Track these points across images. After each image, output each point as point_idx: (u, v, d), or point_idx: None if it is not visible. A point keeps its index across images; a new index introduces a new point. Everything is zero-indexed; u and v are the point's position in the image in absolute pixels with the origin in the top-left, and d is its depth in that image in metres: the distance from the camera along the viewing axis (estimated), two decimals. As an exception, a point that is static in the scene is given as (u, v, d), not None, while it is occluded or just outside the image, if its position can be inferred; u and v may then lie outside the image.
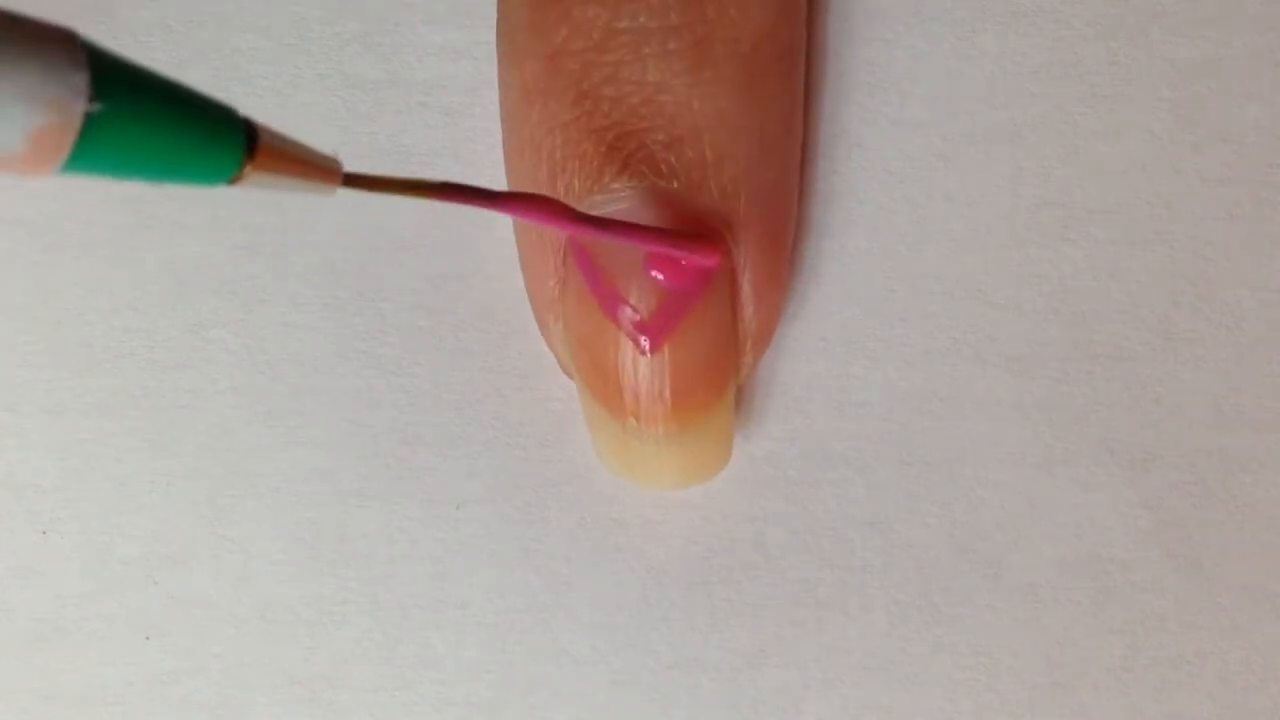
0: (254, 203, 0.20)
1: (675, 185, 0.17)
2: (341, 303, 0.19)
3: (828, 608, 0.19)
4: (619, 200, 0.17)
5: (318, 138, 0.19)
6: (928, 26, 0.19)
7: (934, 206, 0.19)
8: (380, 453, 0.19)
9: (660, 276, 0.17)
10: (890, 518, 0.19)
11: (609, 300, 0.17)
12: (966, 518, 0.19)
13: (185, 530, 0.19)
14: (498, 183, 0.19)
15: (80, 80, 0.11)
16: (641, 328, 0.17)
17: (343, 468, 0.19)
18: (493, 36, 0.19)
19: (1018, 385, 0.19)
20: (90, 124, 0.11)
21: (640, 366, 0.17)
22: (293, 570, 0.19)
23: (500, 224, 0.19)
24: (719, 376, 0.18)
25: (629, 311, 0.17)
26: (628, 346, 0.17)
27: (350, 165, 0.19)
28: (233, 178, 0.12)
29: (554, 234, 0.18)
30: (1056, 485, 0.19)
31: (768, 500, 0.19)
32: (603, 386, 0.18)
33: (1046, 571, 0.19)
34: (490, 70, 0.19)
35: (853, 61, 0.19)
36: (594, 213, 0.17)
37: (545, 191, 0.17)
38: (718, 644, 0.19)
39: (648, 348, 0.17)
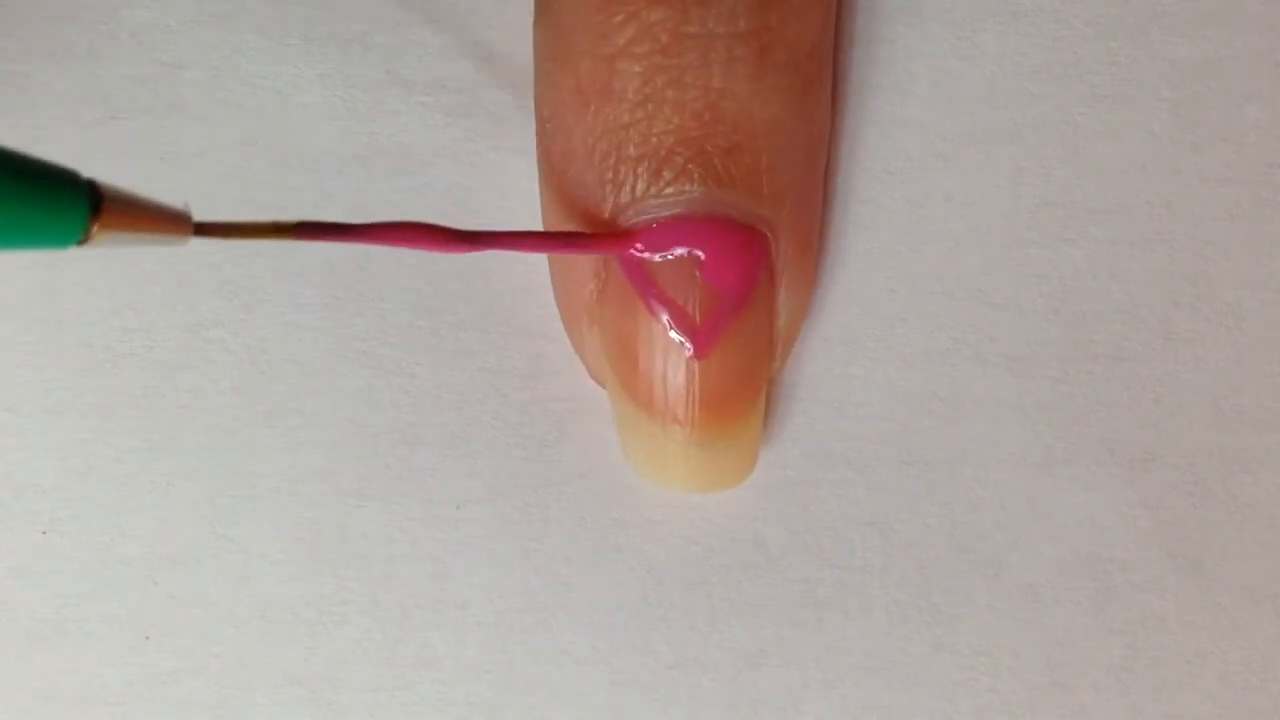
0: (255, 203, 0.20)
1: (731, 191, 0.17)
2: (341, 303, 0.19)
3: (828, 608, 0.19)
4: (674, 205, 0.17)
5: (318, 138, 0.19)
6: (928, 26, 0.19)
7: (934, 206, 0.19)
8: (380, 453, 0.19)
9: (708, 280, 0.17)
10: (890, 518, 0.19)
11: (656, 305, 0.17)
12: (966, 518, 0.19)
13: (185, 530, 0.19)
14: (497, 181, 0.19)
15: None
16: (691, 332, 0.17)
17: (343, 468, 0.19)
18: (494, 37, 0.19)
19: (1018, 385, 0.19)
20: None
21: (684, 371, 0.17)
22: (293, 570, 0.19)
23: (502, 222, 0.19)
24: (758, 379, 0.18)
25: (678, 316, 0.17)
26: (673, 351, 0.17)
27: (350, 165, 0.19)
28: (81, 239, 0.12)
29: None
30: (1056, 485, 0.19)
31: (768, 500, 0.19)
32: (646, 392, 0.18)
33: (1046, 571, 0.19)
34: (490, 70, 0.19)
35: (854, 62, 0.19)
36: (647, 216, 0.17)
37: (595, 194, 0.17)
38: (718, 644, 0.19)
39: (697, 352, 0.17)
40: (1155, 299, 0.19)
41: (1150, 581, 0.19)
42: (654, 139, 0.17)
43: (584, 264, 0.18)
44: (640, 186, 0.17)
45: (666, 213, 0.17)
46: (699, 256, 0.17)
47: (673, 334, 0.17)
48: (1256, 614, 0.19)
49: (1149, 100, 0.19)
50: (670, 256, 0.17)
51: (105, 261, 0.20)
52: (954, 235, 0.19)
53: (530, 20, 0.18)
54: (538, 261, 0.19)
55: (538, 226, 0.19)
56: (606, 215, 0.17)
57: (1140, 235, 0.19)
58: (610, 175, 0.17)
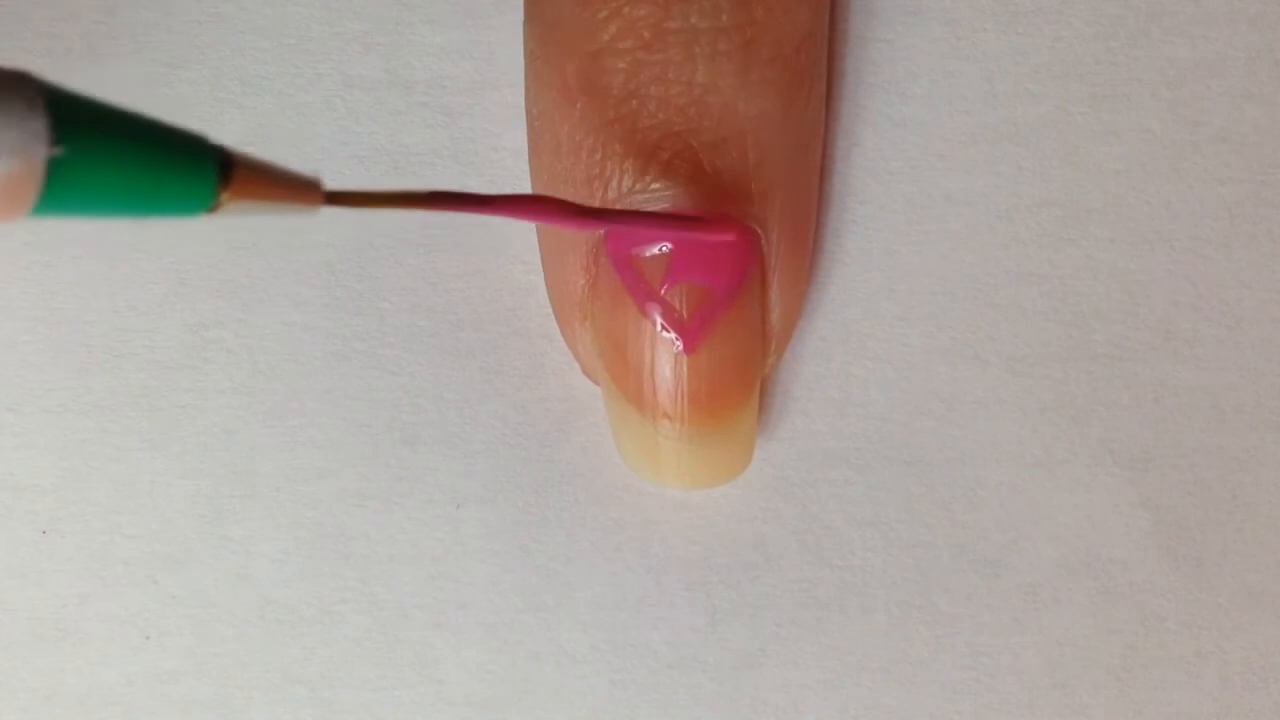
0: (254, 203, 0.20)
1: (718, 186, 0.17)
2: (341, 303, 0.19)
3: (828, 608, 0.19)
4: (661, 200, 0.17)
5: (318, 138, 0.19)
6: (928, 26, 0.19)
7: (934, 206, 0.19)
8: (380, 453, 0.19)
9: (688, 275, 0.17)
10: (890, 518, 0.19)
11: (645, 299, 0.17)
12: (966, 518, 0.19)
13: (185, 530, 0.19)
14: (497, 181, 0.19)
15: (39, 125, 0.11)
16: (680, 327, 0.17)
17: (343, 468, 0.19)
18: (494, 37, 0.19)
19: (1018, 385, 0.19)
20: (54, 168, 0.11)
21: (675, 366, 0.17)
22: (293, 570, 0.19)
23: (501, 222, 0.19)
24: (749, 375, 0.18)
25: (667, 311, 0.17)
26: (663, 346, 0.17)
27: (350, 165, 0.19)
28: (211, 207, 0.12)
29: (584, 232, 0.18)
30: (1056, 485, 0.19)
31: (767, 500, 0.19)
32: (636, 387, 0.18)
33: (1046, 571, 0.19)
34: (490, 70, 0.19)
35: (852, 61, 0.19)
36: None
37: (583, 190, 0.17)
38: (718, 644, 0.19)
39: (685, 347, 0.17)
40: (1155, 299, 0.19)
41: (1150, 581, 0.19)
42: (639, 135, 0.17)
43: (575, 258, 0.18)
44: (626, 182, 0.17)
45: (653, 208, 0.17)
46: (682, 252, 0.17)
47: (661, 329, 0.17)
48: (1256, 614, 0.19)
49: (1149, 100, 0.19)
50: (658, 251, 0.17)
51: (105, 262, 0.20)
52: (954, 235, 0.19)
53: (530, 20, 0.18)
54: (536, 261, 0.19)
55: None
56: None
57: (1140, 235, 0.19)
58: (597, 171, 0.17)
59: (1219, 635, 0.19)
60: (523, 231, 0.19)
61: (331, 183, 0.19)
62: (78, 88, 0.19)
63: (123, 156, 0.12)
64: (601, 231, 0.17)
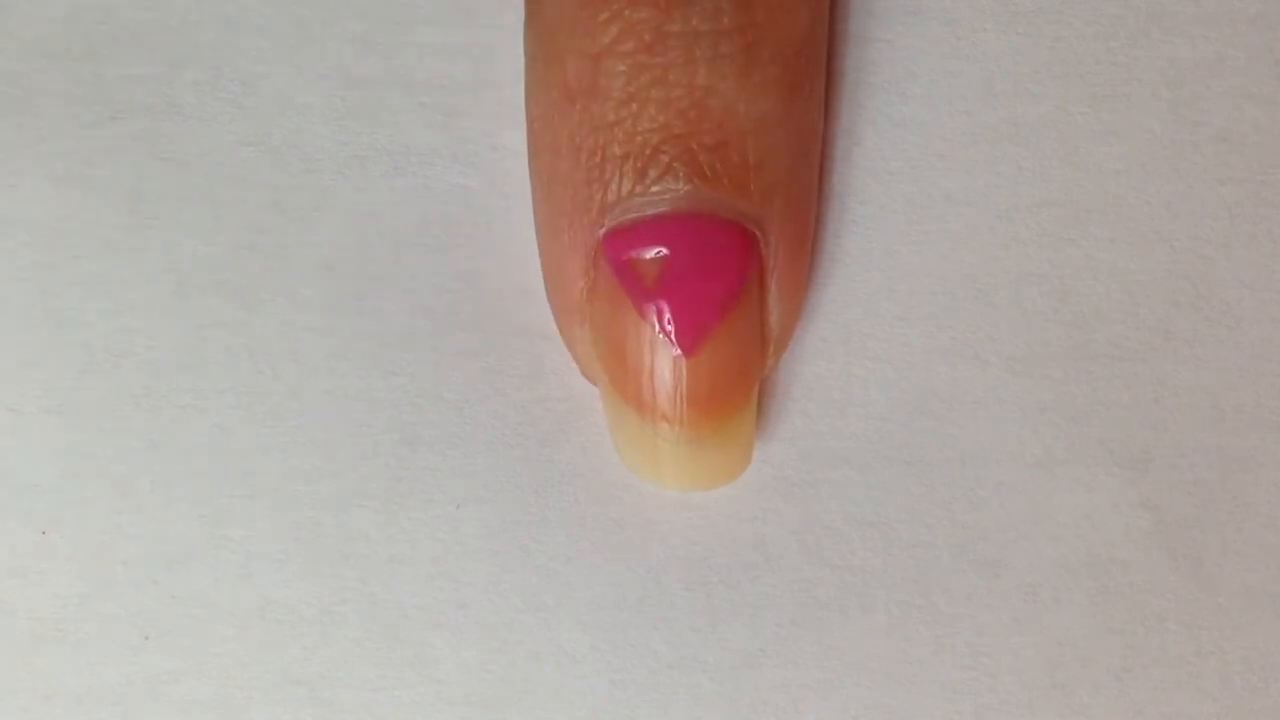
0: (254, 202, 0.20)
1: (718, 188, 0.17)
2: (341, 303, 0.19)
3: (828, 608, 0.19)
4: (660, 203, 0.17)
5: (318, 138, 0.19)
6: (927, 26, 0.19)
7: (934, 206, 0.19)
8: (380, 453, 0.19)
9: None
10: (890, 518, 0.19)
11: (644, 302, 0.17)
12: (966, 518, 0.19)
13: (185, 530, 0.19)
14: (498, 181, 0.19)
15: None
16: (680, 331, 0.17)
17: (343, 468, 0.19)
18: (494, 37, 0.19)
19: (1018, 385, 0.19)
20: None
21: (674, 370, 0.17)
22: (293, 570, 0.19)
23: (502, 222, 0.19)
24: (749, 379, 0.18)
25: (667, 315, 0.17)
26: (663, 350, 0.17)
27: (350, 165, 0.20)
28: None
29: (583, 234, 0.18)
30: (1056, 485, 0.19)
31: (767, 500, 0.19)
32: (635, 390, 0.18)
33: (1046, 571, 0.19)
34: (490, 70, 0.19)
35: (853, 61, 0.19)
36: (634, 215, 0.17)
37: (582, 192, 0.17)
38: (717, 644, 0.19)
39: (684, 351, 0.17)
40: (1155, 299, 0.19)
41: (1150, 581, 0.19)
42: (639, 137, 0.17)
43: (574, 261, 0.18)
44: (626, 185, 0.17)
45: (652, 211, 0.17)
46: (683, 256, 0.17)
47: (663, 333, 0.17)
48: (1256, 614, 0.19)
49: (1149, 100, 0.19)
50: (657, 254, 0.17)
51: (105, 262, 0.20)
52: (954, 235, 0.19)
53: (530, 20, 0.18)
54: (536, 261, 0.19)
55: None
56: (594, 214, 0.17)
57: (1140, 235, 0.19)
58: (597, 174, 0.17)
59: (1219, 635, 0.19)
60: (523, 232, 0.19)
61: (332, 183, 0.19)
62: (78, 88, 0.19)
63: None
64: (600, 234, 0.17)
